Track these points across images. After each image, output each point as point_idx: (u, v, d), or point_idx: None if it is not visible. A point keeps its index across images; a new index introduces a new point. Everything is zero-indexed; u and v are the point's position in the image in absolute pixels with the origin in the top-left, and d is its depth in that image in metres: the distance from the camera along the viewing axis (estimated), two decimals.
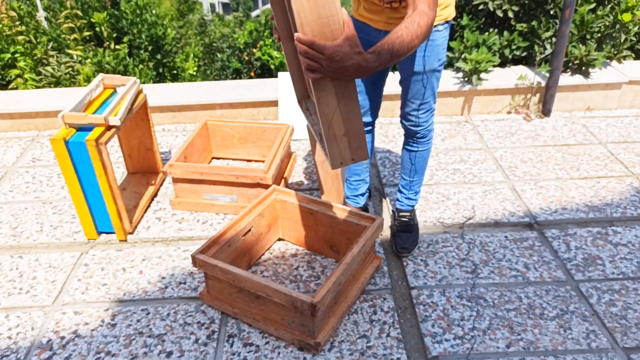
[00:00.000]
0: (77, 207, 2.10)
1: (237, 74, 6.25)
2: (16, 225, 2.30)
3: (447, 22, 1.70)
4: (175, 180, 2.30)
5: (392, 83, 2.28)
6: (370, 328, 1.76)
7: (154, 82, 4.33)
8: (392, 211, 2.27)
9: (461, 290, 1.90)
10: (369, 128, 2.02)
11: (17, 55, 3.46)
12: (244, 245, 1.95)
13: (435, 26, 1.66)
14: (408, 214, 2.12)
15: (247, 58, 6.17)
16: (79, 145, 1.96)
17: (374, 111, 1.97)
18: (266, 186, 2.20)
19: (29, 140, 3.01)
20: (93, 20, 4.01)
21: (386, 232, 2.20)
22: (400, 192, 2.13)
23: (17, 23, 3.56)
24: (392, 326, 1.76)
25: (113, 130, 2.03)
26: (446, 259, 2.05)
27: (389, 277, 1.98)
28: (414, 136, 1.94)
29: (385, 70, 1.89)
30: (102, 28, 3.95)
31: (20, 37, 3.48)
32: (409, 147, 2.00)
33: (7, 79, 3.49)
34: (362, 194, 2.19)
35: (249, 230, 1.96)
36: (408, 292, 1.90)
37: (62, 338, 1.75)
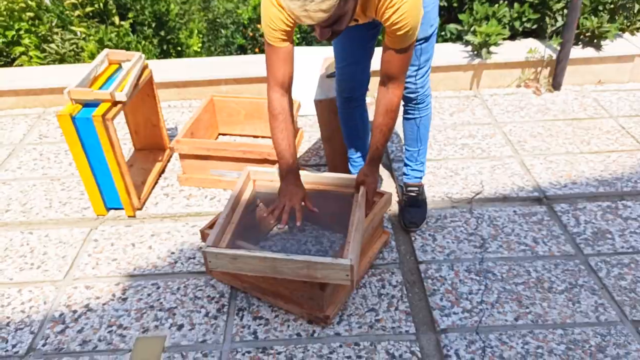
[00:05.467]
0: (86, 184, 2.11)
1: (241, 51, 6.16)
2: (25, 202, 2.31)
3: None
4: (183, 157, 2.29)
5: None
6: (378, 302, 1.77)
7: (159, 59, 4.28)
8: (400, 186, 2.26)
9: (469, 264, 1.90)
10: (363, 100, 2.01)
11: (21, 32, 3.43)
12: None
13: None
14: (416, 187, 2.11)
15: (251, 34, 6.07)
16: (86, 121, 1.95)
17: (367, 83, 1.96)
18: (273, 162, 2.19)
19: (35, 117, 3.01)
20: None
21: (394, 207, 2.19)
22: (406, 164, 2.11)
23: None
24: (401, 300, 1.77)
25: (119, 106, 2.02)
26: (454, 233, 2.04)
27: (397, 251, 1.98)
28: (412, 102, 1.92)
29: (372, 38, 1.85)
30: (102, 4, 3.89)
31: (28, 14, 3.43)
32: (409, 116, 1.97)
33: (12, 56, 3.47)
34: None
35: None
36: (416, 267, 1.91)
37: (74, 312, 1.77)
